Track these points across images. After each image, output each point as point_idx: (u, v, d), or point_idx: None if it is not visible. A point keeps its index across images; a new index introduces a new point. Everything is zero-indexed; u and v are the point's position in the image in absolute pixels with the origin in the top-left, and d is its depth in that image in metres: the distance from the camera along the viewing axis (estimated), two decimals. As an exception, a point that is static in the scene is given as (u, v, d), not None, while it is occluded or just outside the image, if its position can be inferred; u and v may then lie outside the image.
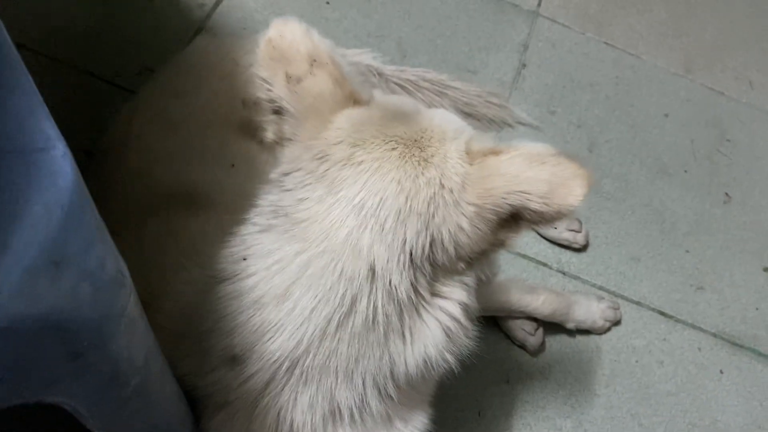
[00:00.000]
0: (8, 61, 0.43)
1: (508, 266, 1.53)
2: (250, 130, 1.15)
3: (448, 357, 0.81)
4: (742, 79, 1.97)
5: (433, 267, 0.76)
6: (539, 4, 1.96)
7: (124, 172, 1.10)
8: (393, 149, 0.76)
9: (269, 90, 0.80)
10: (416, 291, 0.76)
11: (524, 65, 1.85)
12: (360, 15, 1.80)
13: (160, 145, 1.13)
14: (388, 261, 0.73)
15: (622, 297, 1.55)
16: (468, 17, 1.88)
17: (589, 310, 1.46)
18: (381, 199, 0.73)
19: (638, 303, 1.56)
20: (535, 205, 0.73)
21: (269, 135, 0.84)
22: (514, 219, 0.77)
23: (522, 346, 1.44)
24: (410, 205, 0.73)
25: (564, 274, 1.55)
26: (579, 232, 1.56)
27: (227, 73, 1.23)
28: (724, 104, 1.91)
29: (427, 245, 0.74)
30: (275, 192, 0.79)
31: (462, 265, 0.78)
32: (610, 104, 1.85)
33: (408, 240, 0.73)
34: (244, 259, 0.78)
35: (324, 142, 0.77)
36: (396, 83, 1.59)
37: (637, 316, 1.54)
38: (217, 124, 1.17)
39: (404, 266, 0.74)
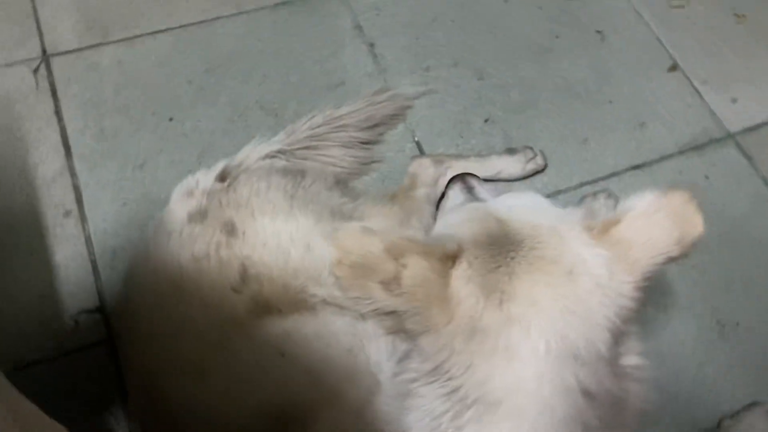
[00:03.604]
0: None
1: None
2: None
3: None
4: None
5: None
6: (337, -20, 1.89)
7: None
8: (534, 283, 0.73)
9: (371, 303, 0.74)
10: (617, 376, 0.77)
11: (372, 44, 1.79)
12: (221, 104, 1.66)
13: None
14: (596, 380, 0.73)
15: (601, 179, 1.63)
16: (295, 38, 1.78)
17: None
18: (561, 335, 0.71)
19: (614, 174, 1.65)
20: (675, 254, 0.76)
21: (381, 330, 0.79)
22: None
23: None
24: (588, 322, 0.72)
25: (548, 196, 1.60)
26: (536, 155, 1.60)
27: None
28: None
29: (611, 338, 0.75)
30: (442, 386, 0.75)
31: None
32: (461, 24, 1.85)
33: (602, 350, 0.73)
34: None
35: (465, 319, 0.73)
36: (299, 149, 1.50)
37: (619, 185, 1.63)
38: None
39: (607, 374, 0.74)
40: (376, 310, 0.75)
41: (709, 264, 1.52)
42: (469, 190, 1.18)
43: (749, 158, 1.68)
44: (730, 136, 1.72)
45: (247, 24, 1.79)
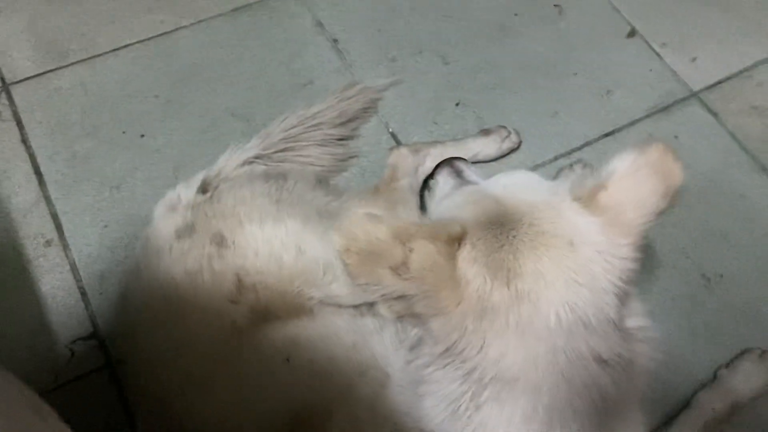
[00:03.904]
0: None
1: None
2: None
3: None
4: None
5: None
6: (292, -21, 1.88)
7: None
8: (538, 258, 0.75)
9: (380, 289, 0.74)
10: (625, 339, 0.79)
11: (335, 40, 1.79)
12: (191, 116, 1.64)
13: None
14: (607, 346, 0.75)
15: (575, 150, 1.66)
16: (257, 42, 1.77)
17: None
18: (570, 306, 0.73)
19: (586, 143, 1.68)
20: (663, 205, 0.79)
21: (385, 313, 0.79)
22: None
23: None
24: (594, 290, 0.74)
25: (527, 172, 1.63)
26: (510, 133, 1.61)
27: None
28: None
29: (617, 302, 0.77)
30: (456, 368, 0.76)
31: None
32: (420, 11, 1.86)
33: (611, 315, 0.75)
34: None
35: (475, 300, 0.74)
36: (276, 152, 1.49)
37: (593, 154, 1.66)
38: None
39: (617, 338, 0.76)
40: (385, 295, 0.75)
41: (687, 220, 1.56)
42: (458, 173, 1.18)
43: (714, 114, 1.73)
44: (693, 94, 1.76)
45: (207, 32, 1.78)
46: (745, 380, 1.29)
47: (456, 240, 0.78)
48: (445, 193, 1.14)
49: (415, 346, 0.84)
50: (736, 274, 1.50)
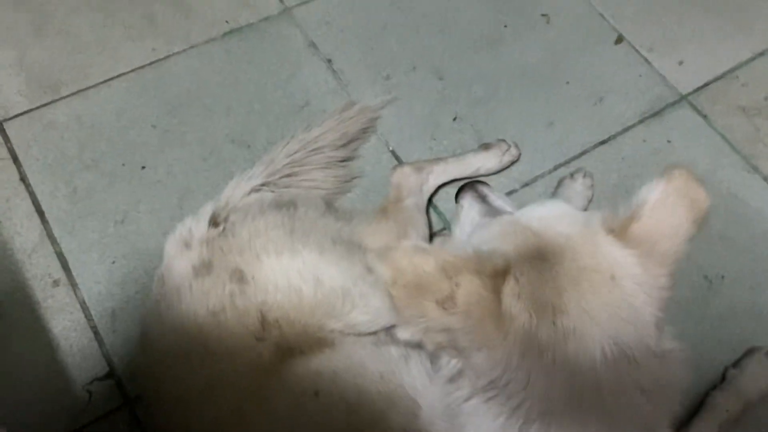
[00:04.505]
0: None
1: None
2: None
3: None
4: None
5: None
6: (281, 1, 1.88)
7: None
8: (582, 295, 0.77)
9: (426, 321, 0.75)
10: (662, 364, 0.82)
11: (329, 60, 1.80)
12: (190, 144, 1.63)
13: None
14: (648, 376, 0.78)
15: (573, 159, 1.69)
16: (251, 65, 1.76)
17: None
18: (614, 341, 0.75)
19: (584, 152, 1.70)
20: (694, 231, 0.82)
21: (429, 346, 0.80)
22: None
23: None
24: (636, 323, 0.77)
25: (527, 185, 1.65)
26: (510, 146, 1.63)
27: None
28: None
29: (657, 331, 0.80)
30: (501, 403, 0.78)
31: None
32: (411, 28, 1.87)
33: (651, 345, 0.77)
34: None
35: (520, 335, 0.76)
36: (280, 178, 1.49)
37: (590, 162, 1.69)
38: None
39: (657, 366, 0.79)
40: (429, 327, 0.76)
41: (686, 224, 1.60)
42: (483, 198, 1.20)
43: (704, 116, 1.77)
44: (683, 97, 1.80)
45: (200, 58, 1.77)
46: (754, 380, 1.33)
47: (501, 274, 0.79)
48: (472, 219, 1.15)
49: (454, 379, 0.86)
50: (737, 275, 1.54)
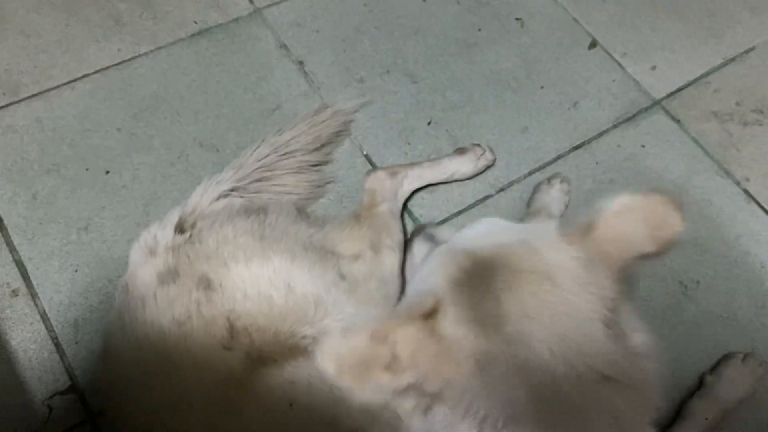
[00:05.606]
0: None
1: (464, 220, 1.57)
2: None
3: None
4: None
5: None
6: (251, 2, 1.84)
7: None
8: (520, 299, 0.79)
9: (385, 389, 0.76)
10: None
11: (301, 62, 1.76)
12: (157, 148, 1.58)
13: None
14: (608, 363, 0.79)
15: (548, 164, 1.67)
16: (220, 67, 1.72)
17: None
18: (560, 338, 0.78)
19: (558, 157, 1.69)
20: (649, 249, 0.83)
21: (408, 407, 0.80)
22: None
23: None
24: (579, 319, 0.79)
25: (503, 190, 1.63)
26: (485, 151, 1.62)
27: None
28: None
29: (607, 327, 0.81)
30: (471, 422, 0.76)
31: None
32: (385, 30, 1.84)
33: (601, 338, 0.78)
34: None
35: (472, 358, 0.76)
36: (250, 183, 1.45)
37: (565, 167, 1.68)
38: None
39: (620, 356, 0.80)
40: (395, 390, 0.76)
41: (661, 229, 1.59)
42: (430, 238, 1.21)
43: (678, 122, 1.77)
44: (656, 102, 1.80)
45: (167, 59, 1.72)
46: (731, 387, 1.33)
47: (432, 312, 0.79)
48: (422, 260, 1.15)
49: (428, 411, 0.84)
50: (711, 280, 1.54)
